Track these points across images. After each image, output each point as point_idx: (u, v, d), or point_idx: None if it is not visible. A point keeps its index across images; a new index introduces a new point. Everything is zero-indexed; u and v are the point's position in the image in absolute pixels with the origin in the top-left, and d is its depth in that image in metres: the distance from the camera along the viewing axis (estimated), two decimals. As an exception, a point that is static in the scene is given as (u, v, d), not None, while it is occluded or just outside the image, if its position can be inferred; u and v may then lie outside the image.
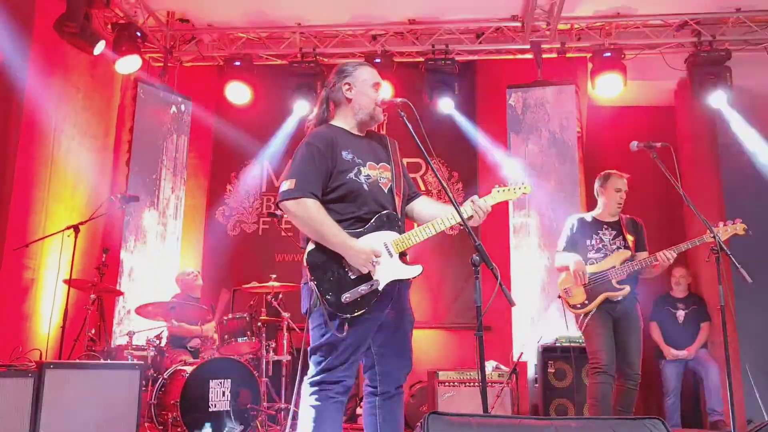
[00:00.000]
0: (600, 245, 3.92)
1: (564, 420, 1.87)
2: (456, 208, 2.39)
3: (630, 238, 3.91)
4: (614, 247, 3.90)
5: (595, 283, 3.84)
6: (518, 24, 5.81)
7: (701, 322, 5.62)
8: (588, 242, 3.94)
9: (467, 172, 6.36)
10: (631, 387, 3.76)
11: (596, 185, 4.07)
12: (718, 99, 5.63)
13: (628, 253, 3.85)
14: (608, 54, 5.64)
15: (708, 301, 5.74)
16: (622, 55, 5.70)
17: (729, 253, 3.10)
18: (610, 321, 3.83)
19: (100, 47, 5.24)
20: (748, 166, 6.43)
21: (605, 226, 3.97)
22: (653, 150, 3.31)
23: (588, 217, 4.09)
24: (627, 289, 3.80)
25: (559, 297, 4.02)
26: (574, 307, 3.90)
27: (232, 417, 4.15)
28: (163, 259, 6.01)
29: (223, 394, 4.20)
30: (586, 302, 3.84)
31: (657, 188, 5.93)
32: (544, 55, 5.85)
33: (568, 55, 5.91)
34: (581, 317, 3.88)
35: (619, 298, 3.81)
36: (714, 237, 3.17)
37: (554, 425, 1.80)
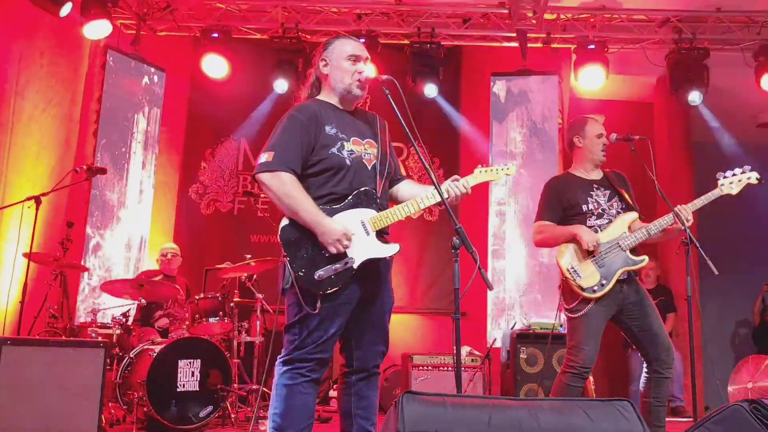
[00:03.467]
0: (599, 210, 3.22)
1: (537, 401, 1.87)
2: (438, 189, 2.36)
3: (626, 196, 3.26)
4: (613, 210, 3.22)
5: (607, 257, 3.11)
6: (505, 11, 5.78)
7: (667, 313, 5.78)
8: (585, 207, 3.21)
9: (449, 158, 6.33)
10: (668, 375, 3.16)
11: (570, 137, 3.40)
12: (694, 97, 5.72)
13: (636, 215, 3.21)
14: (592, 46, 5.70)
15: (675, 292, 5.91)
16: (606, 48, 5.76)
17: (698, 245, 3.07)
18: (611, 311, 3.13)
19: (66, 9, 4.99)
20: (720, 164, 6.58)
21: (595, 185, 3.27)
22: (632, 143, 3.21)
23: (572, 176, 3.36)
24: (646, 259, 3.14)
25: (564, 279, 3.19)
26: (587, 290, 3.08)
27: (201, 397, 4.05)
28: (130, 237, 5.80)
29: (193, 375, 4.08)
30: (604, 282, 3.07)
31: (632, 182, 6.03)
32: (530, 44, 5.85)
33: (553, 45, 5.94)
34: (577, 302, 3.11)
35: (631, 275, 3.15)
36: (684, 229, 3.06)
37: (527, 405, 1.81)
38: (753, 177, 3.18)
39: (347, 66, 2.50)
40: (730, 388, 5.19)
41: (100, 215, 5.57)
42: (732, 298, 6.99)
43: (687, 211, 3.08)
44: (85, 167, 4.97)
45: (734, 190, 3.17)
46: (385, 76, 2.43)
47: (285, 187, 2.32)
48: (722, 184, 3.18)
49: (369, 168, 2.47)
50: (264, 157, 2.36)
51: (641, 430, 1.76)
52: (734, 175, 3.18)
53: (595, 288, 3.07)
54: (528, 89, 5.92)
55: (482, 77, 6.14)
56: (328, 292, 2.31)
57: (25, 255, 4.45)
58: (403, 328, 6.01)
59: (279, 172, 2.33)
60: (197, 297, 4.58)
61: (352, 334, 2.47)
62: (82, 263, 5.23)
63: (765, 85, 5.69)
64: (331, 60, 2.52)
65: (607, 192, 3.26)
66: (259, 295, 4.71)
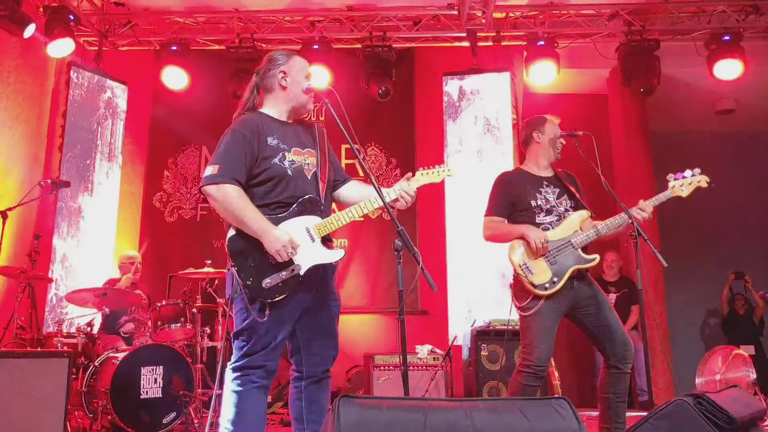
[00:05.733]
0: (548, 206, 3.21)
1: (473, 401, 1.87)
2: (379, 192, 2.45)
3: (576, 195, 3.26)
4: (561, 208, 3.22)
5: (559, 255, 3.10)
6: (455, 12, 5.85)
7: (631, 305, 5.74)
8: (533, 203, 3.20)
9: (405, 158, 6.38)
10: (628, 371, 3.12)
11: (530, 132, 3.38)
12: (647, 87, 5.72)
13: (587, 213, 3.22)
14: (542, 42, 5.74)
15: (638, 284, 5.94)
16: (555, 44, 5.81)
17: (646, 237, 3.02)
18: (563, 308, 3.12)
19: (30, 30, 5.13)
20: (677, 153, 6.69)
21: (545, 182, 3.27)
22: (576, 138, 3.24)
23: (523, 171, 3.36)
24: (597, 258, 3.15)
25: (515, 276, 3.17)
26: (539, 287, 3.07)
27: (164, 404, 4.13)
28: (97, 246, 5.89)
29: (155, 381, 4.17)
30: (555, 280, 3.06)
31: (588, 177, 6.11)
32: (481, 43, 5.92)
33: (503, 43, 5.99)
34: (529, 300, 3.09)
35: (582, 271, 3.13)
36: (632, 222, 3.04)
37: (462, 407, 1.82)
38: (703, 180, 3.20)
39: (306, 84, 2.61)
40: (698, 380, 5.06)
41: (66, 227, 5.67)
42: (700, 288, 6.90)
43: (648, 209, 3.11)
44: (49, 181, 5.07)
45: (684, 193, 3.20)
46: (324, 88, 2.55)
47: (230, 198, 2.39)
48: (673, 186, 3.21)
49: (309, 177, 2.56)
50: (210, 170, 2.44)
51: (577, 428, 1.77)
52: (684, 177, 3.20)
53: (547, 285, 3.06)
54: (480, 87, 5.94)
55: (435, 77, 6.19)
56: (276, 299, 2.38)
57: (-7, 269, 4.51)
58: (365, 328, 6.06)
59: (224, 184, 2.40)
60: (159, 304, 4.64)
61: (301, 340, 2.54)
62: (50, 274, 5.30)
63: (718, 73, 5.68)
64: (292, 74, 2.61)
65: (557, 190, 3.25)
66: (220, 300, 4.78)
